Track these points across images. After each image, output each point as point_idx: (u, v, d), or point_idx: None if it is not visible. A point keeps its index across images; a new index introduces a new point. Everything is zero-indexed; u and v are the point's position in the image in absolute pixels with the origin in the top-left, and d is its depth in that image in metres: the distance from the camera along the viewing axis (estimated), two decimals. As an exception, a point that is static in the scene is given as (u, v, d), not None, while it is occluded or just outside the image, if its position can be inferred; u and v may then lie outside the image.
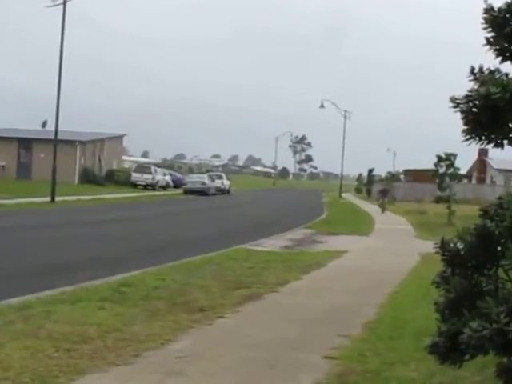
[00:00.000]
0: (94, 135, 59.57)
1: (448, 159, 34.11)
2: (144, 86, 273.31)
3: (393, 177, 64.90)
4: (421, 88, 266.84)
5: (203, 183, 55.95)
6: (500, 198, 4.83)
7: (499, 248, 4.54)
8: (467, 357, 4.54)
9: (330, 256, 16.10)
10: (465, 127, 4.84)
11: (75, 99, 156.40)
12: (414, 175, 70.13)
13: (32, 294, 9.11)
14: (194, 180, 58.08)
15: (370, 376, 6.00)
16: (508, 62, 4.96)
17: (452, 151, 34.40)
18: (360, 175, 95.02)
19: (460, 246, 4.62)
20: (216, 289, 10.42)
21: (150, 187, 55.82)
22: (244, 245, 17.66)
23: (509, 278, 4.55)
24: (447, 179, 34.45)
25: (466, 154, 68.10)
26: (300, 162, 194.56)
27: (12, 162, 54.11)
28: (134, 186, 55.25)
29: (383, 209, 40.75)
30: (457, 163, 34.62)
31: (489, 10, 4.81)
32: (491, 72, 4.87)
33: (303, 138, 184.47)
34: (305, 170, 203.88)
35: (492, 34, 4.85)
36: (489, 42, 4.89)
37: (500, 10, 4.79)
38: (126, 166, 74.85)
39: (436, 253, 4.75)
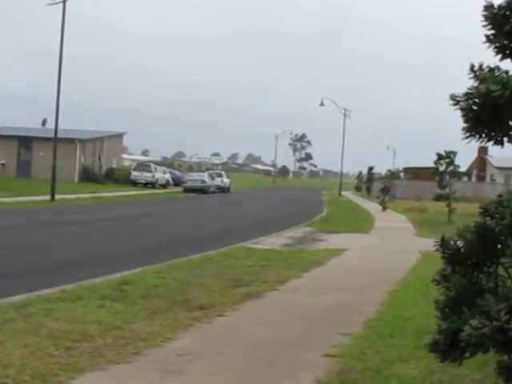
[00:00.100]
0: (94, 133, 59.54)
1: (448, 157, 34.12)
2: (144, 84, 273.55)
3: (392, 175, 64.86)
4: (421, 86, 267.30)
5: (203, 181, 55.92)
6: (500, 196, 4.83)
7: (499, 246, 4.54)
8: (467, 355, 4.54)
9: (330, 254, 16.10)
10: (465, 125, 4.84)
11: (75, 97, 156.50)
12: (414, 173, 70.14)
13: (32, 292, 9.11)
14: (194, 178, 58.05)
15: (370, 374, 6.00)
16: (508, 60, 4.96)
17: (452, 149, 34.47)
18: (360, 173, 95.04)
19: (460, 243, 4.62)
20: (216, 287, 10.42)
21: (149, 185, 55.76)
22: (244, 243, 17.66)
23: (509, 275, 4.55)
24: (447, 177, 34.45)
25: (466, 152, 68.20)
26: (300, 160, 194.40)
27: (12, 160, 54.10)
28: (134, 184, 55.21)
29: (384, 207, 40.49)
30: (457, 161, 34.69)
31: (489, 8, 4.81)
32: (491, 70, 4.87)
33: (303, 136, 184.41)
34: (305, 168, 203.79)
35: (492, 32, 4.85)
36: (489, 39, 4.88)
37: (500, 7, 4.79)
38: (126, 164, 74.85)
39: (436, 251, 4.75)
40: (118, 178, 56.64)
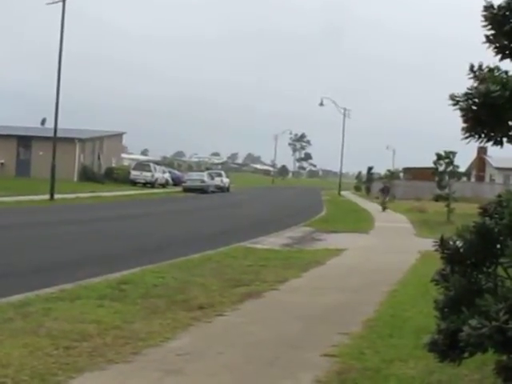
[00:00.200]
0: (94, 133, 59.53)
1: (447, 157, 34.14)
2: (144, 83, 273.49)
3: (392, 175, 64.82)
4: (421, 86, 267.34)
5: (202, 181, 55.91)
6: (499, 196, 4.83)
7: (498, 246, 4.54)
8: (466, 354, 4.55)
9: (330, 254, 16.10)
10: (464, 125, 4.84)
11: (75, 97, 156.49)
12: (414, 173, 70.15)
13: (31, 292, 9.11)
14: (194, 178, 58.04)
15: (370, 374, 6.00)
16: (508, 60, 4.96)
17: (451, 149, 34.48)
18: (359, 173, 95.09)
19: (459, 243, 4.62)
20: (215, 287, 10.42)
21: (149, 185, 55.75)
22: (243, 243, 17.66)
23: (508, 275, 4.55)
24: (446, 177, 34.46)
25: (465, 153, 68.26)
26: (299, 159, 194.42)
27: (11, 159, 54.10)
28: (134, 183, 55.22)
29: (384, 207, 40.11)
30: (456, 161, 34.72)
31: (488, 8, 4.81)
32: (491, 70, 4.87)
33: (303, 136, 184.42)
34: (304, 168, 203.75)
35: (492, 32, 4.85)
36: (488, 39, 4.88)
37: (500, 7, 4.79)
38: (126, 163, 74.82)
39: (435, 251, 4.75)
40: (117, 177, 56.64)
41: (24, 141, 54.54)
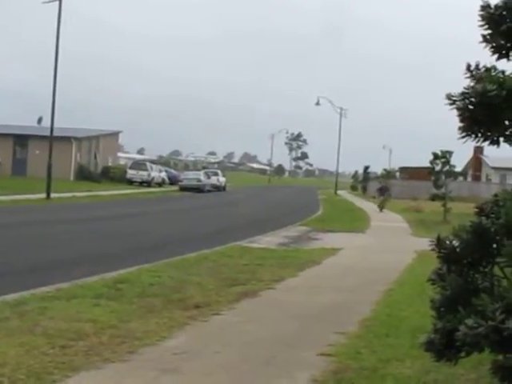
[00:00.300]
0: (90, 132, 59.49)
1: (444, 157, 34.16)
2: (140, 82, 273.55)
3: (388, 174, 64.90)
4: (419, 85, 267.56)
5: (199, 180, 55.90)
6: (495, 196, 4.83)
7: (495, 245, 4.54)
8: (463, 354, 4.55)
9: (326, 253, 16.10)
10: (461, 124, 4.84)
11: (71, 96, 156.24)
12: (410, 173, 70.25)
13: (27, 291, 9.10)
14: (190, 177, 58.03)
15: (366, 373, 6.00)
16: (504, 60, 4.96)
17: (448, 149, 34.51)
18: (356, 172, 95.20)
19: (456, 243, 4.63)
20: (212, 286, 10.41)
21: (145, 184, 55.72)
22: (240, 242, 17.65)
23: (504, 275, 4.56)
24: (443, 177, 34.49)
25: (462, 152, 68.32)
26: (296, 159, 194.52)
27: (7, 158, 53.98)
28: (130, 182, 55.19)
29: (382, 207, 39.11)
30: (452, 161, 34.76)
31: (485, 7, 4.81)
32: (488, 69, 4.87)
33: (299, 135, 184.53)
34: (300, 168, 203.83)
35: (488, 32, 4.86)
36: (485, 39, 4.89)
37: (497, 7, 4.79)
38: (122, 162, 74.71)
39: (432, 250, 4.75)
40: (113, 176, 56.59)
41: (20, 140, 54.45)
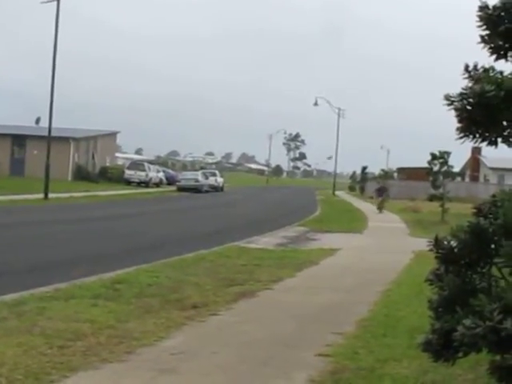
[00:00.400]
0: (88, 132, 59.43)
1: (442, 157, 34.18)
2: (139, 82, 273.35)
3: (386, 174, 64.87)
4: (418, 86, 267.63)
5: (197, 180, 55.88)
6: (493, 196, 4.84)
7: (493, 246, 4.55)
8: (460, 354, 4.55)
9: (324, 254, 16.11)
10: (459, 125, 4.85)
11: (70, 96, 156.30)
12: (408, 173, 70.22)
13: (26, 291, 9.09)
14: (188, 177, 58.02)
15: (364, 373, 6.01)
16: (502, 60, 4.97)
17: (446, 149, 34.52)
18: (354, 173, 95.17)
19: (454, 243, 4.63)
20: (209, 286, 10.41)
21: (143, 184, 55.65)
22: (237, 242, 17.65)
23: (502, 275, 4.56)
24: (441, 177, 34.51)
25: (460, 153, 68.32)
26: (294, 159, 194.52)
27: (5, 158, 53.92)
28: (128, 183, 55.12)
29: (380, 208, 38.49)
30: (450, 161, 34.76)
31: (483, 8, 4.82)
32: (486, 70, 4.88)
33: (297, 136, 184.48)
34: (298, 168, 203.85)
35: (487, 32, 4.86)
36: (483, 39, 4.89)
37: (495, 7, 4.80)
38: (120, 163, 74.69)
39: (429, 250, 4.75)
40: (111, 176, 56.54)
41: (18, 140, 54.41)
